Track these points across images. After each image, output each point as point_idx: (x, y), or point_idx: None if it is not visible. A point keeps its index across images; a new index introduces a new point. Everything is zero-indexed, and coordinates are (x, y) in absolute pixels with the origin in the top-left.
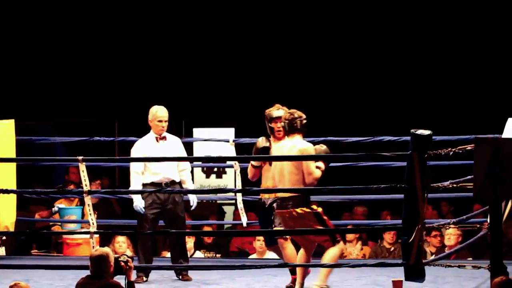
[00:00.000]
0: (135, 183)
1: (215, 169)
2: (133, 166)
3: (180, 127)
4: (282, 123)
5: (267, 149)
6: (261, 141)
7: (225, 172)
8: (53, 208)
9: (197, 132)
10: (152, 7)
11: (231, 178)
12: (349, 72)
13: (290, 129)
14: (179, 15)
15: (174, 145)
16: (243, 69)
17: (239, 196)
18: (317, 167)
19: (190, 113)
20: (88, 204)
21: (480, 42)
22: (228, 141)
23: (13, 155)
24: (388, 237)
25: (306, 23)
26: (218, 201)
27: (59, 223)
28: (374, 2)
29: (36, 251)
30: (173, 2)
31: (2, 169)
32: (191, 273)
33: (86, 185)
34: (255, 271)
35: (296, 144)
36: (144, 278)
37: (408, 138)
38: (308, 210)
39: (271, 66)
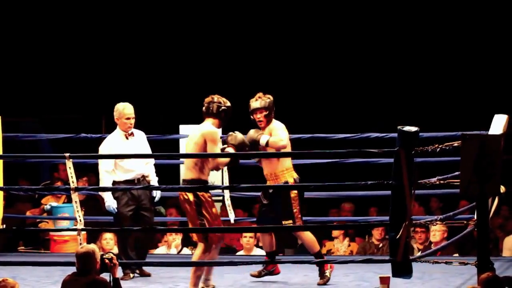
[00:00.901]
0: (106, 182)
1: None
2: (103, 165)
3: (165, 123)
4: (263, 114)
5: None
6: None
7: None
8: (45, 206)
9: (183, 128)
10: (137, 2)
11: (218, 175)
12: (337, 69)
13: (205, 112)
14: (165, 11)
15: (141, 140)
16: (229, 64)
17: (227, 193)
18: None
19: (176, 109)
20: (76, 201)
21: (467, 39)
22: None
23: None
24: (377, 233)
25: (295, 18)
26: None
27: (46, 220)
28: None
29: (23, 248)
30: None
31: None
32: (179, 270)
33: (73, 182)
34: (242, 267)
35: (202, 128)
36: (131, 275)
37: (395, 134)
38: (192, 197)
39: (257, 61)
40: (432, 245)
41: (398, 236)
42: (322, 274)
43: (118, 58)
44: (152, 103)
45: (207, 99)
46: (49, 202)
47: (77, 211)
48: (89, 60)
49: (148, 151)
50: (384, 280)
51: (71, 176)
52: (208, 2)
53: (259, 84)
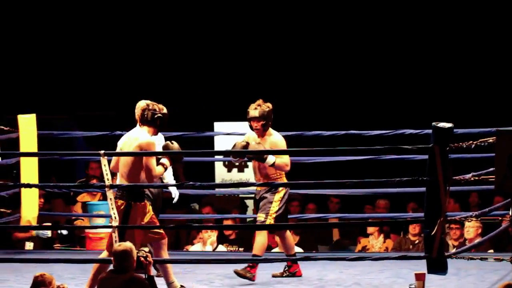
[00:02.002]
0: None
1: (237, 163)
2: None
3: (200, 121)
4: (260, 123)
5: (246, 146)
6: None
7: (246, 166)
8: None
9: (218, 126)
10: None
11: (251, 173)
12: (373, 65)
13: (141, 119)
14: (199, 9)
15: (160, 138)
16: (264, 63)
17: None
18: (160, 163)
19: (211, 107)
20: (110, 199)
21: (502, 35)
22: None
23: (34, 149)
24: (412, 229)
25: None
26: (240, 195)
27: (82, 218)
28: None
29: (59, 245)
30: None
31: (24, 163)
32: (215, 267)
33: (108, 179)
34: (277, 264)
35: (138, 137)
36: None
37: (430, 131)
38: (120, 203)
39: (290, 59)
40: (467, 241)
41: (433, 233)
42: (247, 269)
43: (153, 55)
44: (187, 101)
45: (142, 105)
46: (84, 199)
47: (112, 208)
48: (124, 57)
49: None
50: (420, 277)
51: (106, 174)
52: (238, 4)
53: (291, 81)
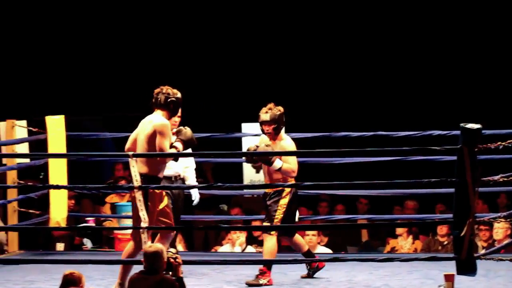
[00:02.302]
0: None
1: (254, 168)
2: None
3: (229, 122)
4: (272, 126)
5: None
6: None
7: None
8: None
9: (246, 127)
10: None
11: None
12: (401, 67)
13: (154, 103)
14: (227, 11)
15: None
16: (292, 64)
17: None
18: (173, 147)
19: (239, 108)
20: (139, 200)
21: None
22: None
23: (63, 150)
24: (441, 231)
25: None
26: None
27: (111, 219)
28: None
29: (86, 246)
30: None
31: (53, 164)
32: (244, 268)
33: (136, 181)
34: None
35: (152, 120)
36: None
37: (458, 132)
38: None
39: (319, 60)
40: (496, 242)
41: (462, 234)
42: (258, 276)
43: (180, 56)
44: (215, 102)
45: (156, 90)
46: (113, 200)
47: (141, 209)
48: (152, 58)
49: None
50: (449, 278)
51: (135, 175)
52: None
53: (319, 82)
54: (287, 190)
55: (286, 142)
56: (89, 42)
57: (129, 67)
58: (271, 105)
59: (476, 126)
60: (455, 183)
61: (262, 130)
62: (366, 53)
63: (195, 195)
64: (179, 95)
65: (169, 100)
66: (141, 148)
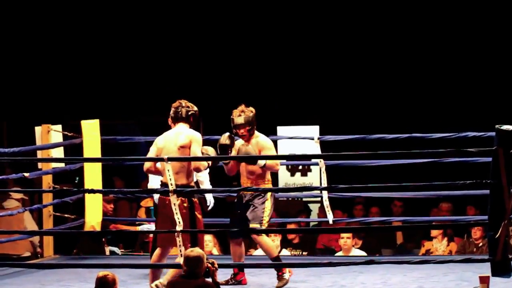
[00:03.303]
0: (152, 179)
1: (300, 167)
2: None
3: (264, 125)
4: (246, 129)
5: (227, 147)
6: (223, 138)
7: (310, 170)
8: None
9: (281, 130)
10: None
11: (316, 176)
12: (435, 68)
13: (175, 117)
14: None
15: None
16: (328, 66)
17: (325, 194)
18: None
19: (274, 111)
20: (174, 203)
21: None
22: (313, 139)
23: (98, 154)
24: (476, 232)
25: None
26: (304, 199)
27: (145, 223)
28: None
29: (122, 250)
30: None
31: (88, 169)
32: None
33: (171, 184)
34: (341, 268)
35: (182, 131)
36: None
37: (493, 133)
38: (183, 199)
39: (354, 63)
40: None
41: (497, 235)
42: (280, 277)
43: (216, 60)
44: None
45: (175, 104)
46: (148, 204)
47: (176, 213)
48: (187, 62)
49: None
50: (484, 280)
51: (170, 179)
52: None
53: (356, 85)
54: (269, 193)
55: (262, 138)
56: (124, 47)
57: (163, 71)
58: (242, 107)
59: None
60: (490, 185)
61: (236, 133)
62: (402, 56)
63: (210, 199)
64: (196, 108)
65: (189, 113)
66: (174, 163)
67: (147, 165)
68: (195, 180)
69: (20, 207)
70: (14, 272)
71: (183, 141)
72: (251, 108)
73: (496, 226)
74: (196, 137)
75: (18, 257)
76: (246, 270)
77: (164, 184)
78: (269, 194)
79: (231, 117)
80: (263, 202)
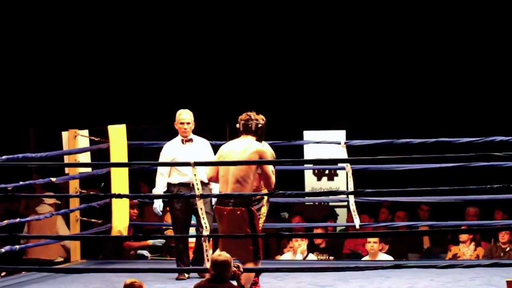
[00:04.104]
0: (159, 184)
1: (327, 172)
2: (160, 167)
3: (290, 129)
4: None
5: None
6: None
7: (336, 175)
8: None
9: (308, 134)
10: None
11: (342, 180)
12: (463, 73)
13: (245, 129)
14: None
15: (201, 147)
16: (356, 71)
17: (352, 198)
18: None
19: (300, 116)
20: (201, 208)
21: None
22: (339, 143)
23: (125, 159)
24: (503, 237)
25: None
26: (330, 204)
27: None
28: None
29: (150, 255)
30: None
31: (115, 173)
32: (305, 276)
33: (198, 189)
34: (368, 272)
35: (252, 144)
36: (186, 275)
37: None
38: (243, 209)
39: (381, 67)
40: None
41: None
42: None
43: (242, 64)
44: (277, 110)
45: (244, 117)
46: None
47: (203, 218)
48: (214, 67)
49: (210, 159)
50: (511, 284)
51: (196, 183)
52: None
53: (383, 89)
54: (266, 198)
55: (266, 146)
56: (152, 53)
57: (190, 77)
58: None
59: None
60: None
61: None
62: (430, 60)
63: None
64: (264, 120)
65: (259, 126)
66: (237, 171)
67: (210, 173)
68: (188, 180)
69: (52, 211)
70: (41, 277)
71: (250, 155)
72: (262, 116)
73: None
74: (267, 154)
75: (51, 262)
76: (272, 275)
77: (220, 191)
78: (265, 199)
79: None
80: (260, 208)
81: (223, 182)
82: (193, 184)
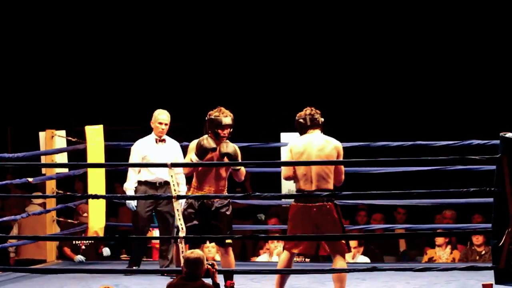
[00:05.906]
0: (131, 179)
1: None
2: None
3: (267, 132)
4: (229, 130)
5: (215, 150)
6: (209, 141)
7: None
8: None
9: (285, 136)
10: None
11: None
12: (439, 76)
13: (312, 124)
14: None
15: (172, 148)
16: (332, 73)
17: None
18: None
19: (278, 117)
20: (177, 210)
21: None
22: None
23: (102, 160)
24: (476, 240)
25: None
26: None
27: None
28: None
29: (125, 256)
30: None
31: (92, 174)
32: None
33: (174, 190)
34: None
35: (327, 139)
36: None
37: (497, 141)
38: (329, 206)
39: (358, 70)
40: None
41: (500, 243)
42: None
43: (220, 66)
44: (253, 111)
45: (309, 111)
46: None
47: (179, 219)
48: (190, 69)
49: (179, 160)
50: None
51: (173, 184)
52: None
53: (356, 91)
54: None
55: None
56: (129, 54)
57: (168, 78)
58: (222, 108)
59: None
60: (494, 193)
61: (218, 134)
62: (405, 64)
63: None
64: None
65: (323, 119)
66: (320, 168)
67: (287, 172)
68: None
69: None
70: (17, 277)
71: (330, 152)
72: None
73: (499, 234)
74: (342, 150)
75: (44, 262)
76: (248, 276)
77: (299, 190)
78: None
79: (214, 117)
80: (231, 210)
81: (306, 180)
82: (159, 183)
